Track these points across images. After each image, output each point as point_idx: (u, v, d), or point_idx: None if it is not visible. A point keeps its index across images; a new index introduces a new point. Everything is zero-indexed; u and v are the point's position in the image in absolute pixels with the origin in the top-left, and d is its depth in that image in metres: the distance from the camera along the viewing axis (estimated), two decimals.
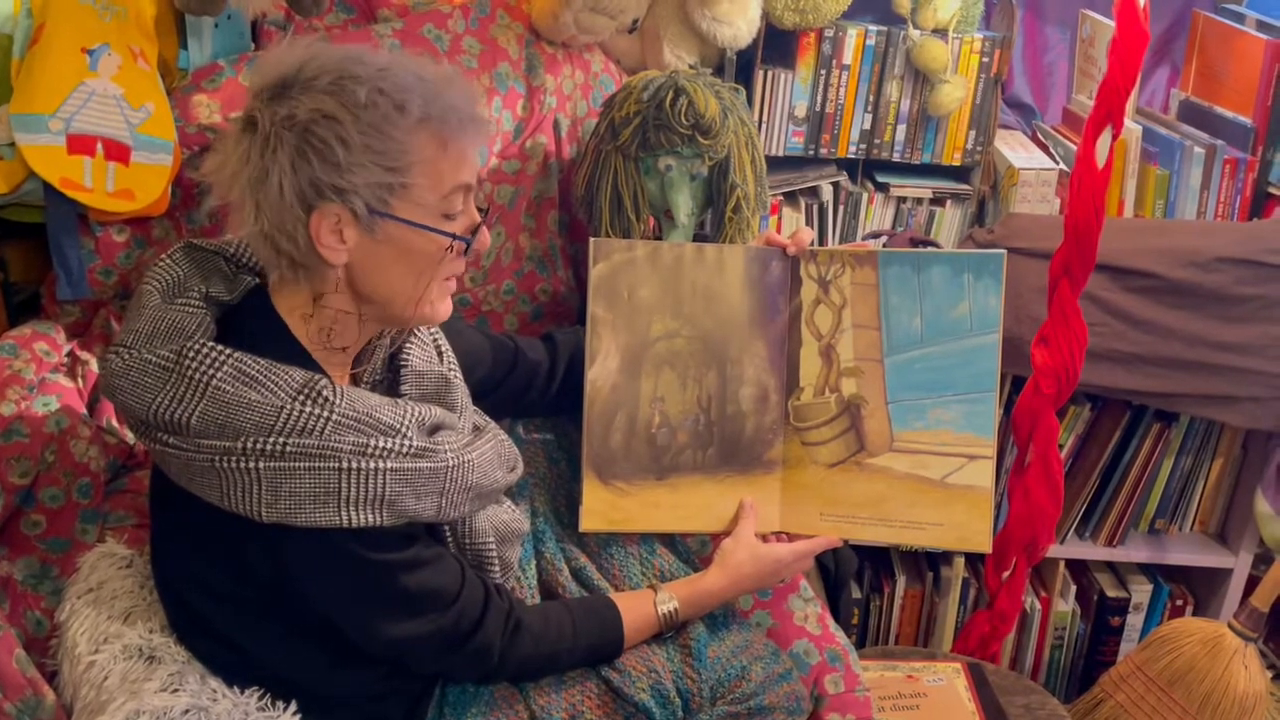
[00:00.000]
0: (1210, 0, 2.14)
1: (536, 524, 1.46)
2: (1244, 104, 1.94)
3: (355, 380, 1.22)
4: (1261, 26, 1.94)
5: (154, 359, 1.08)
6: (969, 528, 1.41)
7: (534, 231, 1.82)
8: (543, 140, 1.79)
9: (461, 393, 1.28)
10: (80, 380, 1.47)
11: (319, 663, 1.18)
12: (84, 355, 1.50)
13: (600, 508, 1.42)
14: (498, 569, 1.28)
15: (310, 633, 1.16)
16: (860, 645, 2.15)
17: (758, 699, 1.27)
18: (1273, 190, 1.95)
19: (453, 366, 1.30)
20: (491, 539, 1.27)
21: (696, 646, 1.30)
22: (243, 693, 1.14)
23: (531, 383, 1.47)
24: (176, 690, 1.12)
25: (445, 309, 1.18)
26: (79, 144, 1.39)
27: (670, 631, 1.33)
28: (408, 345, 1.25)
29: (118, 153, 1.42)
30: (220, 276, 1.19)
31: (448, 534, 1.24)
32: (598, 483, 1.42)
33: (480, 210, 1.18)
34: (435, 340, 1.31)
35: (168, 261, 1.17)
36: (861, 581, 2.17)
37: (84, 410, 1.43)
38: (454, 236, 1.13)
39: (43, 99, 1.37)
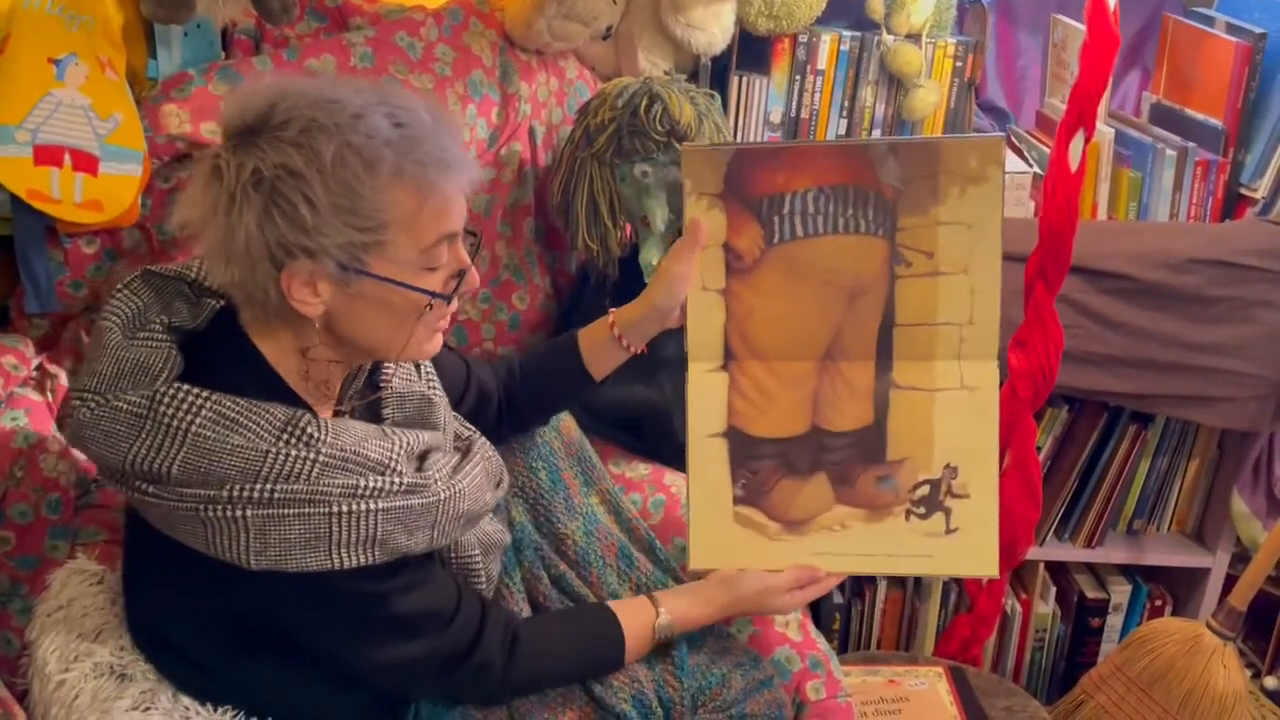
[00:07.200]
0: (1180, 4, 2.16)
1: (515, 534, 1.45)
2: (1214, 106, 1.95)
3: (339, 402, 1.18)
4: (1231, 29, 1.95)
5: (124, 406, 1.03)
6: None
7: (510, 239, 1.81)
8: (518, 147, 1.78)
9: (443, 409, 1.25)
10: (49, 394, 1.45)
11: (308, 692, 1.15)
12: (53, 369, 1.48)
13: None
14: (483, 582, 1.27)
15: (299, 668, 1.13)
16: (842, 650, 2.15)
17: (739, 707, 1.27)
18: (1244, 191, 1.96)
19: (431, 380, 1.26)
20: (477, 552, 1.25)
21: (677, 655, 1.30)
22: (216, 710, 1.12)
23: (482, 411, 1.40)
24: (148, 709, 1.10)
25: (433, 347, 1.14)
26: (46, 155, 1.37)
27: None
28: (387, 365, 1.21)
29: (86, 163, 1.40)
30: (183, 302, 1.13)
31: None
32: None
33: (472, 235, 1.12)
34: None
35: (125, 293, 1.10)
36: (843, 587, 2.17)
37: (53, 425, 1.41)
38: (432, 294, 1.07)
39: (8, 109, 1.35)
